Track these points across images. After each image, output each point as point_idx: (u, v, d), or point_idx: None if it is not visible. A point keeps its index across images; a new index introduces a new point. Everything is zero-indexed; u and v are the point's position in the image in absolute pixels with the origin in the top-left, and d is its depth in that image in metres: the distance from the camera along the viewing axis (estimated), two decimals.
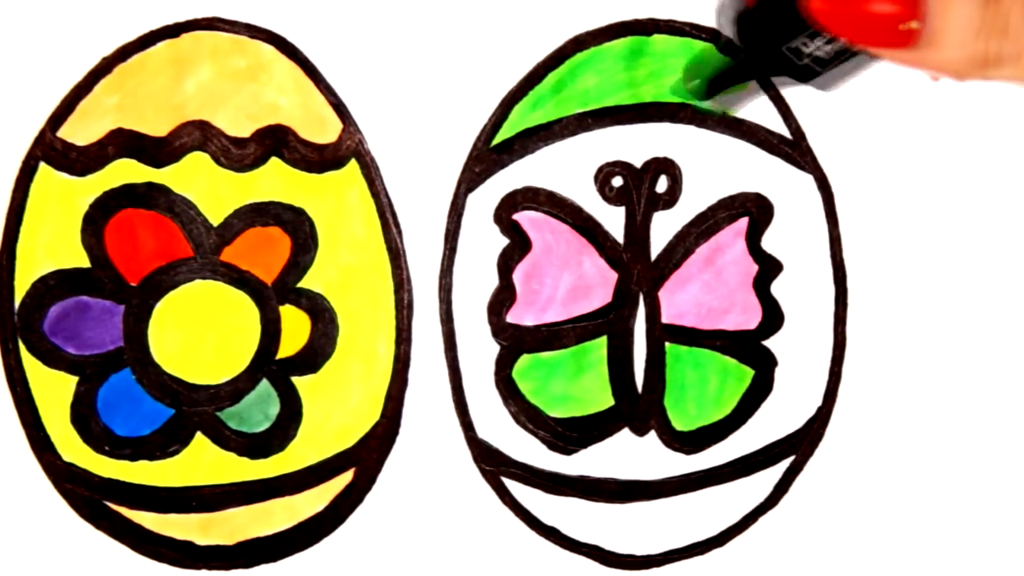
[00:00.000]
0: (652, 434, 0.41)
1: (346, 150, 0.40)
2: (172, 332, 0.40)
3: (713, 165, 0.41)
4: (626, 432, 0.41)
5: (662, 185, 0.41)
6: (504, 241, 0.41)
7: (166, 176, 0.40)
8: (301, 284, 0.40)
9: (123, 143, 0.40)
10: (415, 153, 0.40)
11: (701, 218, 0.41)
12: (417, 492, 0.41)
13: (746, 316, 0.41)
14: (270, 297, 0.40)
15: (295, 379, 0.41)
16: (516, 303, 0.41)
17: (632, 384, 0.41)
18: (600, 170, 0.41)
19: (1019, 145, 0.42)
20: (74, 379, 0.40)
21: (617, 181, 0.41)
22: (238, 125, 0.40)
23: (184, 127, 0.40)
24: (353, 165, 0.40)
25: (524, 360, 0.41)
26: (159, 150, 0.40)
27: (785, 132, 0.41)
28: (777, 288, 0.41)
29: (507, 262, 0.41)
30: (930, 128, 0.42)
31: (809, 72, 0.29)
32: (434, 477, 0.41)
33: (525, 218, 0.41)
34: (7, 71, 0.39)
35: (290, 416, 0.41)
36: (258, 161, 0.40)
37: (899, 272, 0.42)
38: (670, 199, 0.41)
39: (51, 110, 0.39)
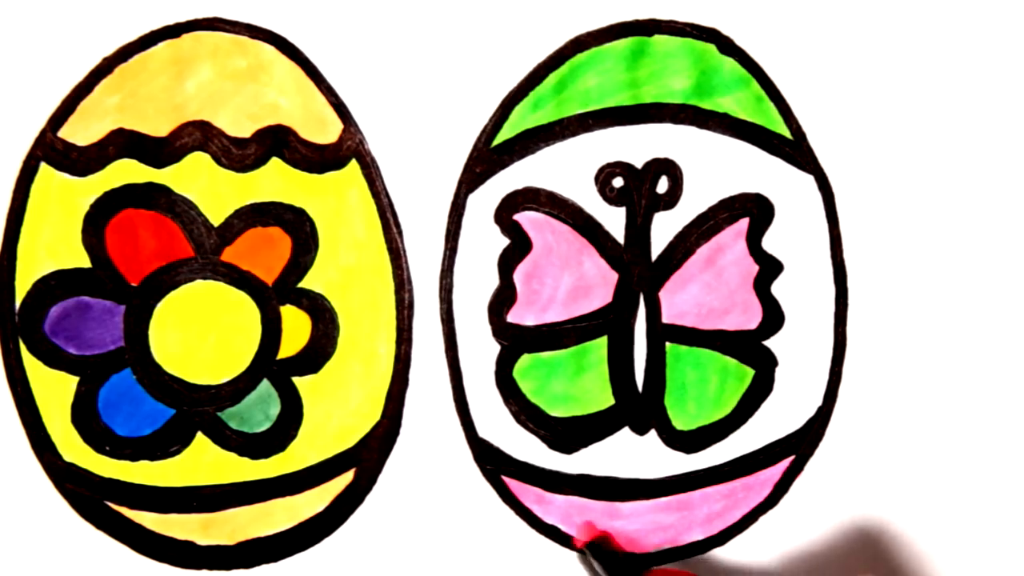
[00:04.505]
0: (652, 433, 0.41)
1: (347, 150, 0.40)
2: (173, 332, 0.40)
3: (714, 166, 0.41)
4: (626, 431, 0.41)
5: (663, 186, 0.41)
6: (505, 241, 0.41)
7: (167, 176, 0.40)
8: (302, 284, 0.40)
9: (124, 143, 0.40)
10: (416, 153, 0.40)
11: (702, 219, 0.41)
12: (418, 492, 0.41)
13: (747, 316, 0.41)
14: (271, 297, 0.40)
15: (296, 379, 0.41)
16: (517, 303, 0.41)
17: (632, 384, 0.41)
18: (601, 171, 0.41)
19: (1019, 146, 0.42)
20: (75, 379, 0.40)
21: (618, 182, 0.41)
22: (239, 125, 0.40)
23: (185, 127, 0.40)
24: (353, 165, 0.40)
25: (524, 360, 0.41)
26: (160, 150, 0.40)
27: (785, 132, 0.41)
28: (777, 288, 0.41)
29: (508, 262, 0.41)
30: (930, 129, 0.42)
31: None
32: (435, 477, 0.41)
33: (526, 218, 0.41)
34: (7, 71, 0.39)
35: (291, 416, 0.41)
36: (259, 161, 0.40)
37: (899, 272, 0.42)
38: (671, 200, 0.41)
39: (52, 110, 0.39)
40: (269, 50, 0.40)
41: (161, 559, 0.41)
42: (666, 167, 0.41)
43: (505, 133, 0.40)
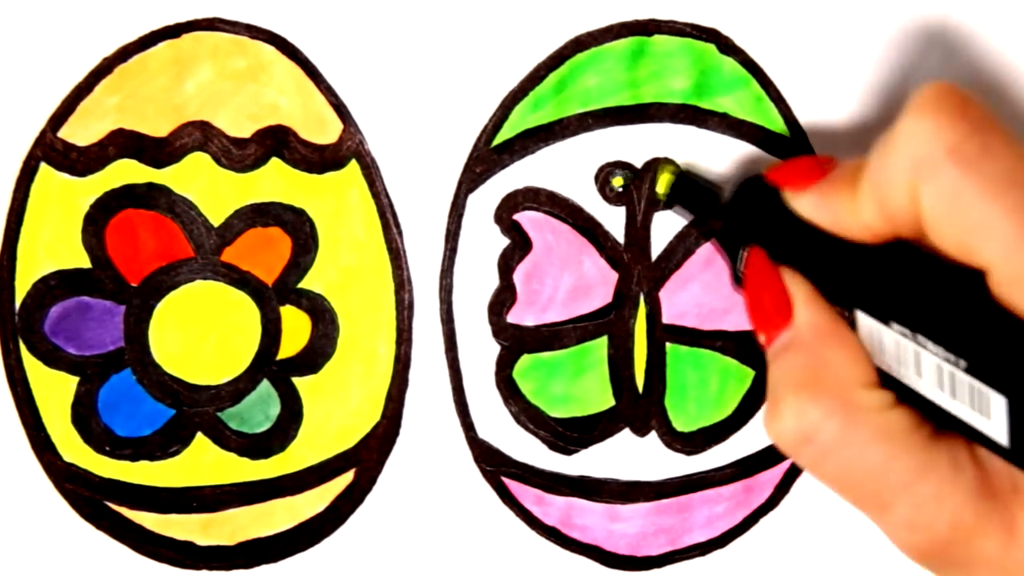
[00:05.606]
0: (653, 434, 0.41)
1: (346, 150, 0.40)
2: (173, 332, 0.40)
3: (713, 166, 0.41)
4: (627, 432, 0.41)
5: None
6: (505, 241, 0.41)
7: (167, 176, 0.40)
8: (302, 284, 0.40)
9: (124, 143, 0.40)
10: (415, 153, 0.40)
11: None
12: (418, 493, 0.41)
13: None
14: (271, 297, 0.40)
15: (296, 379, 0.41)
16: (517, 303, 0.41)
17: (633, 384, 0.41)
18: (601, 170, 0.41)
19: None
20: (75, 379, 0.40)
21: (618, 181, 0.41)
22: (238, 125, 0.40)
23: (185, 127, 0.40)
24: (353, 165, 0.40)
25: (525, 360, 0.41)
26: (160, 150, 0.40)
27: (785, 132, 0.41)
28: None
29: (507, 262, 0.41)
30: None
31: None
32: (435, 477, 0.41)
33: (526, 218, 0.41)
34: (7, 71, 0.39)
35: (291, 417, 0.41)
36: (259, 161, 0.40)
37: None
38: None
39: (52, 110, 0.39)
40: (269, 50, 0.40)
41: (161, 559, 0.41)
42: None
43: (505, 133, 0.40)
